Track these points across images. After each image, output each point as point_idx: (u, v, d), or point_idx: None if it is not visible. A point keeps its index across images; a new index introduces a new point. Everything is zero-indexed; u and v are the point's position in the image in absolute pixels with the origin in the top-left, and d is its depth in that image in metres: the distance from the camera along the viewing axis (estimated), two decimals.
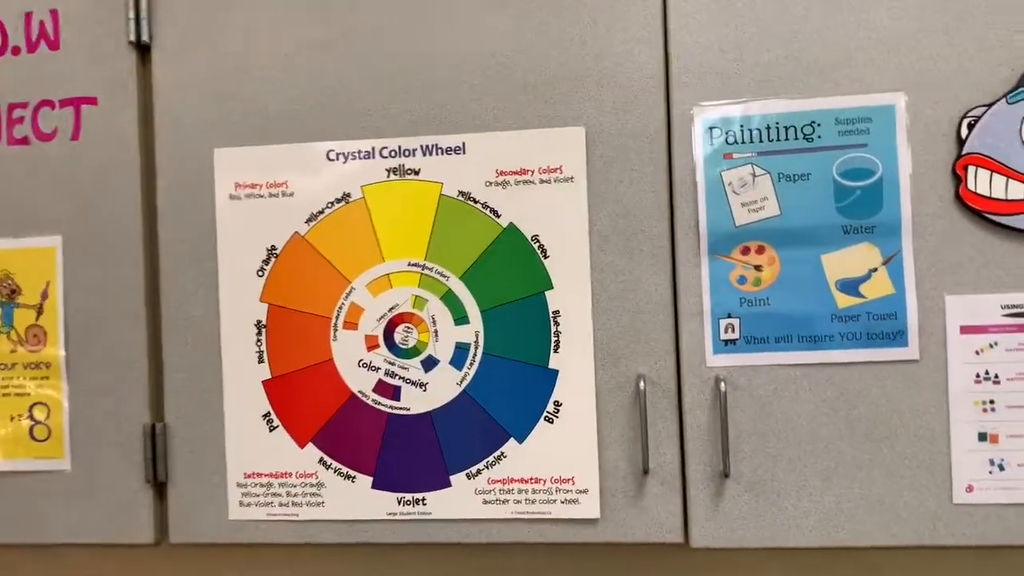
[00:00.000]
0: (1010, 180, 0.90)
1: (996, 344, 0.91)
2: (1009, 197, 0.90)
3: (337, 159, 1.00)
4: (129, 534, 1.03)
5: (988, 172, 0.90)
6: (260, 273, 1.02)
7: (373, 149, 1.00)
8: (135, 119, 1.03)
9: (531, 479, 0.98)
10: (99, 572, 1.32)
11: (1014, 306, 0.91)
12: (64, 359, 1.04)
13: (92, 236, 1.04)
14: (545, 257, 0.97)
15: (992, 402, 0.91)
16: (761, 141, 0.93)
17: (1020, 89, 0.90)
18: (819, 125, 0.93)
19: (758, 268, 0.94)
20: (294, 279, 1.01)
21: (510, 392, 0.98)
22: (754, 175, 0.93)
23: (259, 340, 1.02)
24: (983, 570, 1.15)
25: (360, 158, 1.00)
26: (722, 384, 0.93)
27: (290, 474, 1.02)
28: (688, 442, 0.95)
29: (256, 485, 1.02)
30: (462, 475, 0.99)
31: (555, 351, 0.97)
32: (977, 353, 0.91)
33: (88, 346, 1.04)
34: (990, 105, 0.91)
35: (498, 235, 0.98)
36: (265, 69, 1.01)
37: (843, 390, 0.93)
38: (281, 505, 1.02)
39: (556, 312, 0.97)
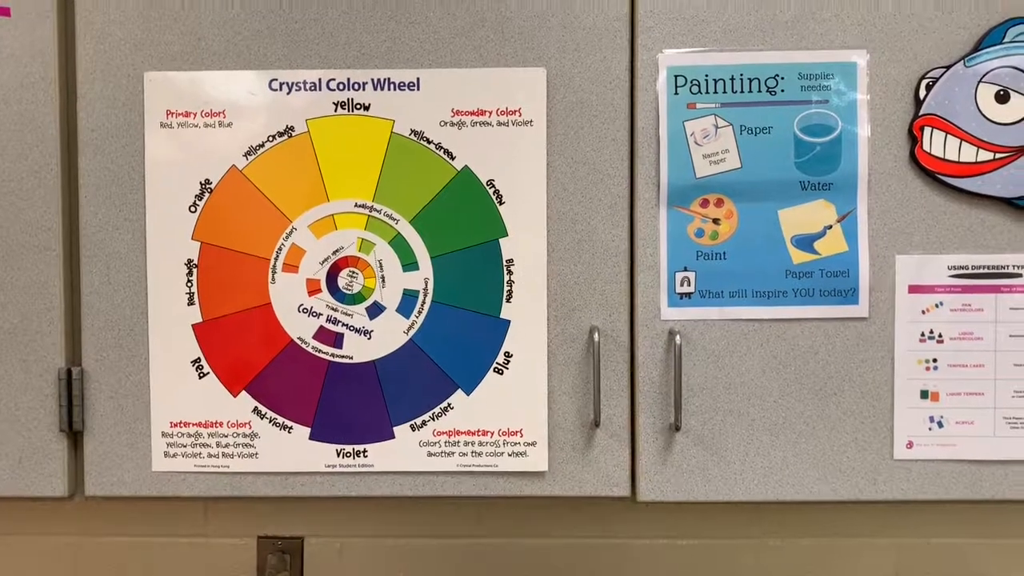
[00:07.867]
0: (963, 143, 0.91)
1: (941, 304, 0.93)
2: (961, 159, 0.91)
3: (280, 89, 0.93)
4: (40, 487, 0.96)
5: (943, 134, 0.91)
6: (192, 209, 0.94)
7: (320, 80, 0.93)
8: (54, 34, 0.93)
9: (478, 431, 0.95)
10: (8, 529, 1.23)
11: (959, 267, 0.93)
12: None
13: (2, 163, 0.94)
14: (500, 203, 0.93)
15: (935, 361, 0.93)
16: (725, 92, 0.92)
17: (977, 52, 0.91)
18: (782, 79, 0.92)
19: (716, 221, 0.93)
20: (230, 216, 0.94)
21: (459, 342, 0.94)
22: (716, 126, 0.92)
23: (189, 280, 0.95)
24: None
25: (306, 89, 0.93)
26: (677, 337, 0.91)
27: (221, 423, 0.96)
28: (639, 395, 0.93)
29: (183, 435, 0.96)
30: (406, 426, 0.95)
31: (507, 301, 0.94)
32: (923, 312, 0.93)
33: None
34: (948, 67, 0.91)
35: (452, 178, 0.93)
36: None
37: (794, 346, 0.93)
38: (211, 456, 0.96)
39: (510, 260, 0.94)
